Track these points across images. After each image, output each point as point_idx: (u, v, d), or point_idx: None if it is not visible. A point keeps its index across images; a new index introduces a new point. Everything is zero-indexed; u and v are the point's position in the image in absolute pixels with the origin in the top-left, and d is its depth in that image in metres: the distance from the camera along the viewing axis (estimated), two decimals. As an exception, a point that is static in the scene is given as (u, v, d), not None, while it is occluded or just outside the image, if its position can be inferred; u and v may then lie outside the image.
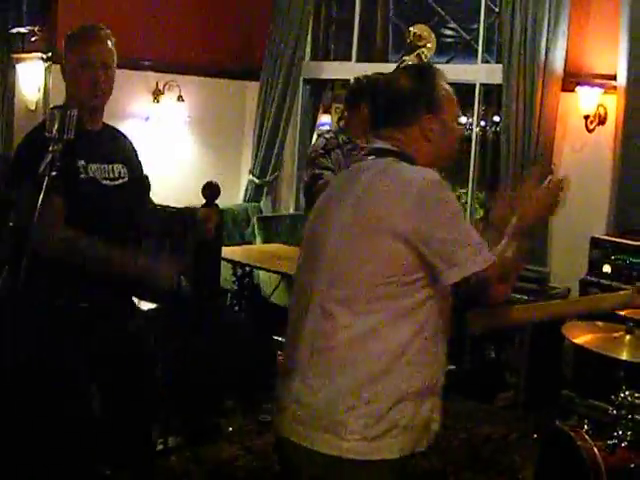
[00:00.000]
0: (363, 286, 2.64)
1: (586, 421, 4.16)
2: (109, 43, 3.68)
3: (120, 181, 3.69)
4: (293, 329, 2.84)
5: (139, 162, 3.90)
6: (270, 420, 5.77)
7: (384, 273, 2.62)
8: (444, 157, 2.92)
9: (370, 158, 2.85)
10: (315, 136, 9.01)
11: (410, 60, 4.85)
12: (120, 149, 3.82)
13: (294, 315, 2.86)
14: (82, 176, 3.56)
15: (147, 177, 3.91)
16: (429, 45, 4.88)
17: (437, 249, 2.62)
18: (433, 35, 4.96)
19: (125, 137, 3.93)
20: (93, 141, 3.66)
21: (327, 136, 5.43)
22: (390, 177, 2.74)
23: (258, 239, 8.12)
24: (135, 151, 3.92)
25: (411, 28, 4.92)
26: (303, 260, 2.91)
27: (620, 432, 3.93)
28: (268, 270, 7.30)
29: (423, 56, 4.86)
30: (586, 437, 3.93)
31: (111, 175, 3.67)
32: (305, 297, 2.79)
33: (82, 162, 3.56)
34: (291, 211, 9.09)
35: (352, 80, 5.40)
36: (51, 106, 3.29)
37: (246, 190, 9.01)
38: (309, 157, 5.35)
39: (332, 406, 2.64)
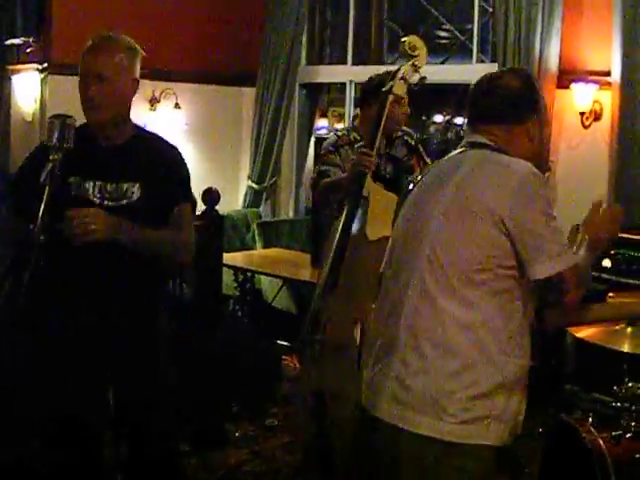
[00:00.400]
0: (461, 270, 2.69)
1: (590, 414, 4.17)
2: (112, 53, 3.40)
3: (125, 201, 3.41)
4: (391, 305, 2.88)
5: (168, 179, 3.52)
6: (277, 424, 5.86)
7: (481, 258, 2.67)
8: (535, 160, 2.94)
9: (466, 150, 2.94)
10: (313, 139, 9.05)
11: (405, 70, 4.93)
12: (141, 166, 3.46)
13: (392, 293, 2.89)
14: (73, 193, 3.37)
15: (180, 195, 3.57)
16: (422, 55, 4.96)
17: (529, 241, 2.67)
18: (424, 45, 5.05)
19: (162, 152, 3.60)
20: (100, 157, 3.45)
21: (339, 133, 5.50)
22: (493, 163, 2.81)
23: (258, 244, 8.14)
24: (169, 167, 3.56)
25: (404, 38, 5.00)
26: (402, 244, 2.94)
27: (624, 423, 3.94)
28: (269, 275, 7.34)
29: (417, 65, 4.94)
30: (591, 429, 3.94)
31: (115, 194, 3.40)
32: (405, 276, 2.83)
33: (76, 178, 3.37)
34: (291, 215, 9.12)
35: (367, 79, 5.47)
36: (50, 115, 3.22)
37: (245, 196, 9.03)
38: (319, 153, 5.42)
39: (433, 389, 2.68)
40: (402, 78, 4.95)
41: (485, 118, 2.97)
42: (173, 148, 3.66)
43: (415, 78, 5.02)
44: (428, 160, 5.45)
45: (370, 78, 5.36)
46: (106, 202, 3.39)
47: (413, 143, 5.53)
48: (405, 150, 5.50)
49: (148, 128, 3.85)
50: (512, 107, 2.94)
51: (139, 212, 3.38)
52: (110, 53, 3.40)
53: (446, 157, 3.04)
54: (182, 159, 3.65)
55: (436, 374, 2.69)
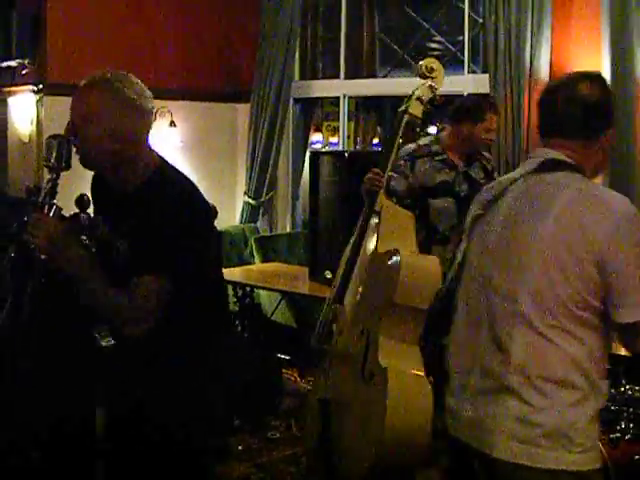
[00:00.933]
0: (568, 308, 2.65)
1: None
2: (87, 96, 3.07)
3: (113, 254, 3.16)
4: (487, 341, 2.82)
5: (151, 243, 3.03)
6: (279, 437, 5.89)
7: (583, 295, 2.63)
8: (599, 169, 2.95)
9: (545, 172, 2.82)
10: (308, 154, 9.08)
11: (422, 91, 4.94)
12: (133, 223, 3.11)
13: (482, 328, 2.84)
14: None
15: (150, 263, 3.04)
16: (439, 77, 4.99)
17: (620, 283, 2.63)
18: (442, 67, 5.11)
19: (158, 208, 3.07)
20: (107, 202, 3.27)
21: (420, 142, 5.64)
22: (591, 198, 2.71)
23: (257, 259, 8.16)
24: (156, 229, 3.02)
25: (421, 62, 5.06)
26: (488, 275, 2.86)
27: (623, 426, 3.98)
28: (268, 289, 7.37)
29: (435, 87, 4.96)
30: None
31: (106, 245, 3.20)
32: (501, 314, 2.78)
33: (84, 239, 3.20)
34: (288, 230, 9.15)
35: (464, 96, 5.99)
36: (48, 135, 3.21)
37: (242, 211, 9.08)
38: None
39: (561, 423, 2.68)
40: (418, 99, 4.96)
41: (562, 131, 2.82)
42: (173, 202, 3.10)
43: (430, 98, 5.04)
44: None
45: (466, 97, 5.80)
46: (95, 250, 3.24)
47: (490, 168, 5.71)
48: (482, 174, 5.64)
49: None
50: (593, 119, 2.80)
51: (119, 269, 3.08)
52: (81, 101, 3.08)
53: (537, 178, 2.84)
54: (176, 216, 3.05)
55: (561, 408, 2.67)
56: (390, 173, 5.16)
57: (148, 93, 3.16)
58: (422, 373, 4.35)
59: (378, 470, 4.25)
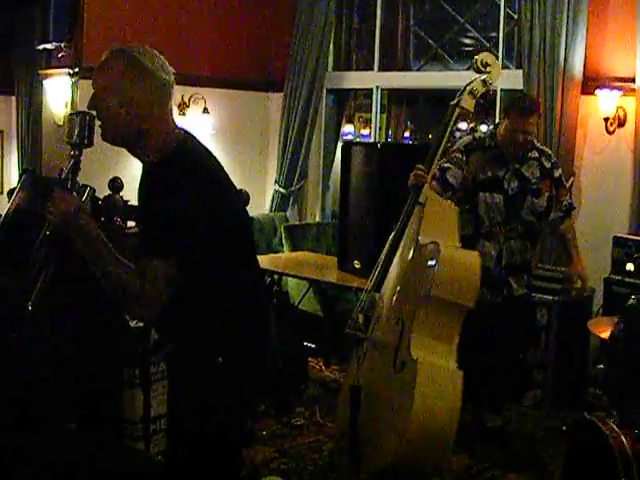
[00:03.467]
0: None
1: (614, 412, 4.23)
2: (105, 67, 3.03)
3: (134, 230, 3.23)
4: None
5: (158, 216, 2.98)
6: (303, 423, 5.94)
7: None
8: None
9: None
10: (339, 145, 9.08)
11: (476, 85, 5.02)
12: (145, 198, 3.15)
13: None
14: None
15: (151, 246, 2.97)
16: (494, 72, 5.06)
17: None
18: (499, 64, 5.20)
19: (167, 179, 3.00)
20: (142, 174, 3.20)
21: (477, 135, 5.65)
22: None
23: (285, 248, 8.20)
24: (163, 201, 2.96)
25: (476, 56, 5.10)
26: None
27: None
28: (296, 277, 7.41)
29: (489, 81, 5.05)
30: (613, 427, 4.00)
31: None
32: None
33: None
34: (317, 219, 9.18)
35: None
36: (70, 112, 3.16)
37: (272, 200, 9.12)
38: (449, 148, 5.46)
39: None
40: (471, 92, 5.01)
41: None
42: (178, 183, 2.98)
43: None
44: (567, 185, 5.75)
45: (521, 94, 5.78)
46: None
47: (549, 166, 5.52)
48: (538, 172, 5.48)
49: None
50: None
51: (136, 245, 3.09)
52: (101, 72, 3.03)
53: None
54: (179, 198, 2.93)
55: None
56: (446, 164, 5.34)
57: (168, 67, 3.07)
58: (453, 368, 4.39)
59: (398, 469, 4.28)
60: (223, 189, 3.15)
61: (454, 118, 5.02)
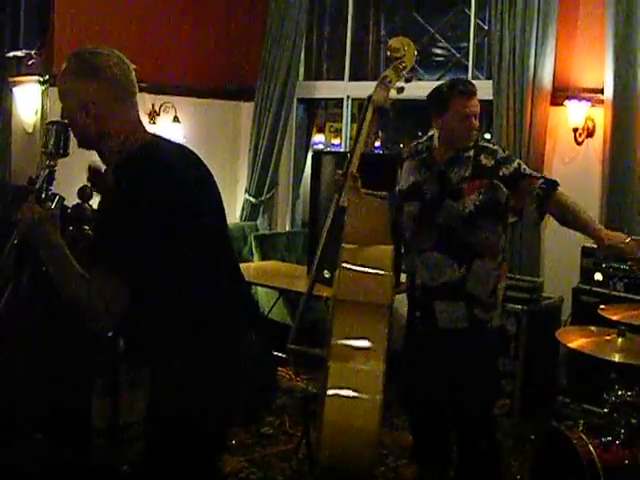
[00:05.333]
0: None
1: (581, 421, 4.26)
2: (62, 73, 3.04)
3: None
4: None
5: (103, 223, 2.97)
6: (272, 433, 5.93)
7: None
8: None
9: None
10: (310, 154, 9.09)
11: (387, 74, 4.61)
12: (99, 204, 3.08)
13: None
14: None
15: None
16: (407, 56, 4.65)
17: None
18: (412, 45, 4.68)
19: (117, 184, 2.93)
20: None
21: (415, 143, 4.95)
22: None
23: (256, 257, 8.20)
24: (107, 206, 2.96)
25: (389, 41, 4.71)
26: None
27: (614, 430, 4.03)
28: (266, 286, 7.40)
29: (401, 67, 4.61)
30: (582, 436, 4.03)
31: None
32: None
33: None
34: (287, 229, 9.19)
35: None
36: (47, 121, 3.16)
37: (242, 209, 9.12)
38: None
39: None
40: (383, 83, 4.63)
41: None
42: (125, 189, 2.88)
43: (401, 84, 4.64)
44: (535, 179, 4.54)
45: (434, 88, 4.75)
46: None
47: (490, 164, 4.56)
48: (468, 172, 4.57)
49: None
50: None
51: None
52: (60, 77, 3.05)
53: None
54: (122, 204, 2.85)
55: None
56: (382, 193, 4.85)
57: (126, 63, 3.04)
58: (371, 369, 4.25)
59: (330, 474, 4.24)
60: (185, 194, 3.01)
61: (369, 115, 4.61)
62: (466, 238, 4.52)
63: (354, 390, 4.11)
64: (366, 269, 4.32)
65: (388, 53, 4.71)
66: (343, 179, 4.59)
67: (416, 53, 4.76)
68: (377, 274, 4.30)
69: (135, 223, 2.81)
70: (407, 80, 4.64)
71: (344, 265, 4.29)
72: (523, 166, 4.57)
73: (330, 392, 4.06)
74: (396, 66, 4.63)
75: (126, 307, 2.86)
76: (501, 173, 4.51)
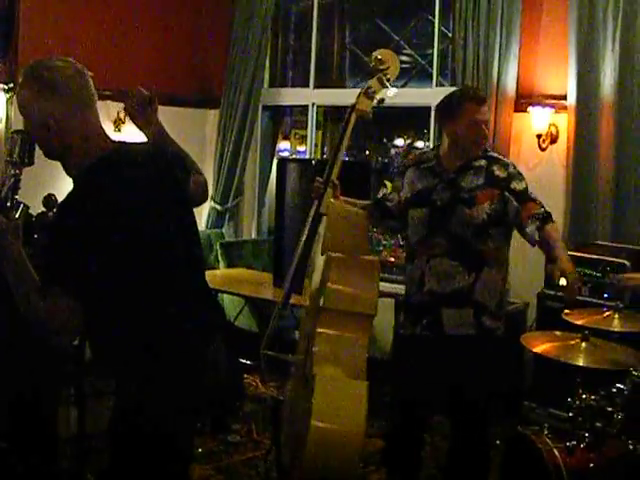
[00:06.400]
0: None
1: (546, 426, 4.28)
2: (19, 88, 3.06)
3: None
4: None
5: (49, 237, 3.02)
6: (239, 440, 5.93)
7: None
8: None
9: None
10: (275, 161, 9.09)
11: (372, 84, 4.69)
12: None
13: None
14: None
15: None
16: (391, 68, 4.74)
17: None
18: (397, 58, 4.81)
19: (68, 196, 3.01)
20: None
21: (418, 152, 5.37)
22: None
23: (221, 264, 8.19)
24: (54, 220, 3.11)
25: (374, 52, 4.79)
26: None
27: (578, 434, 4.05)
28: (231, 294, 7.39)
29: (385, 79, 4.70)
30: (547, 440, 4.05)
31: None
32: None
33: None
34: (253, 236, 9.17)
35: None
36: (12, 130, 3.17)
37: (208, 216, 9.10)
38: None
39: None
40: (366, 93, 4.72)
41: None
42: (70, 200, 2.98)
43: (385, 93, 4.74)
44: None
45: (444, 97, 4.81)
46: None
47: (503, 175, 4.62)
48: (481, 180, 4.61)
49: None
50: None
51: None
52: (18, 92, 3.06)
53: None
54: (66, 217, 2.96)
55: None
56: (382, 193, 5.01)
57: (83, 75, 3.06)
58: (352, 379, 4.27)
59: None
60: (135, 204, 3.03)
61: (352, 123, 4.71)
62: (477, 246, 4.56)
63: (340, 402, 4.14)
64: (354, 278, 4.34)
65: (372, 64, 4.77)
66: (323, 186, 4.68)
67: (399, 66, 4.84)
68: (365, 283, 4.35)
69: (86, 236, 2.83)
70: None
71: (332, 274, 4.30)
72: (530, 189, 4.63)
73: (316, 402, 4.06)
74: (380, 77, 4.70)
75: (82, 322, 2.88)
76: (512, 186, 4.57)
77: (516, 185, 4.58)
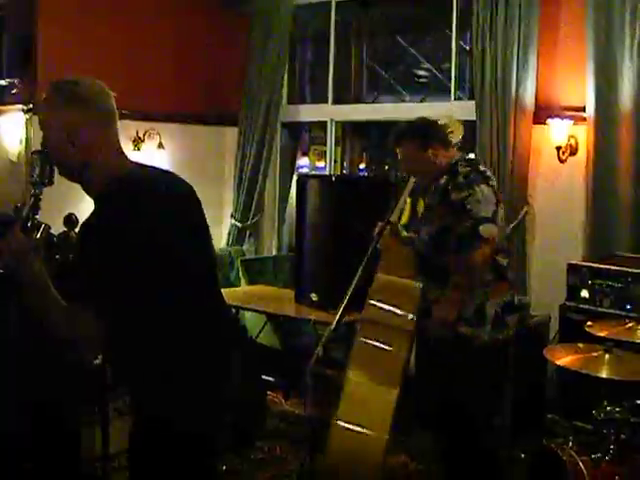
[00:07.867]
0: None
1: (571, 438, 4.27)
2: (43, 103, 3.07)
3: None
4: None
5: (79, 258, 3.00)
6: (262, 458, 5.92)
7: None
8: None
9: None
10: (294, 178, 9.10)
11: None
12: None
13: None
14: None
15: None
16: (456, 132, 5.15)
17: None
18: (458, 122, 5.28)
19: (92, 217, 2.92)
20: None
21: None
22: None
23: (243, 281, 8.20)
24: (82, 240, 2.94)
25: (439, 121, 5.16)
26: None
27: (604, 446, 4.04)
28: (254, 311, 7.39)
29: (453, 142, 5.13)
30: (572, 453, 4.04)
31: None
32: None
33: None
34: (274, 253, 9.19)
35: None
36: (33, 150, 3.18)
37: (229, 234, 9.12)
38: None
39: None
40: None
41: None
42: (96, 222, 2.90)
43: None
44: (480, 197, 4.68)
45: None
46: None
47: (450, 187, 4.79)
48: (438, 198, 4.91)
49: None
50: None
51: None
52: (41, 108, 3.08)
53: None
54: (93, 238, 2.88)
55: None
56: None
57: (106, 92, 3.05)
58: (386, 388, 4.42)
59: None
60: (159, 226, 2.99)
61: (408, 188, 5.19)
62: (437, 264, 4.87)
63: (367, 407, 4.48)
64: (392, 295, 4.88)
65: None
66: (383, 226, 5.11)
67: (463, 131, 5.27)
68: (400, 300, 4.85)
69: (110, 258, 2.80)
70: None
71: (374, 288, 4.90)
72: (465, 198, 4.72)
73: (343, 403, 4.47)
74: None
75: (104, 339, 2.86)
76: (452, 197, 4.77)
77: (453, 195, 4.75)
